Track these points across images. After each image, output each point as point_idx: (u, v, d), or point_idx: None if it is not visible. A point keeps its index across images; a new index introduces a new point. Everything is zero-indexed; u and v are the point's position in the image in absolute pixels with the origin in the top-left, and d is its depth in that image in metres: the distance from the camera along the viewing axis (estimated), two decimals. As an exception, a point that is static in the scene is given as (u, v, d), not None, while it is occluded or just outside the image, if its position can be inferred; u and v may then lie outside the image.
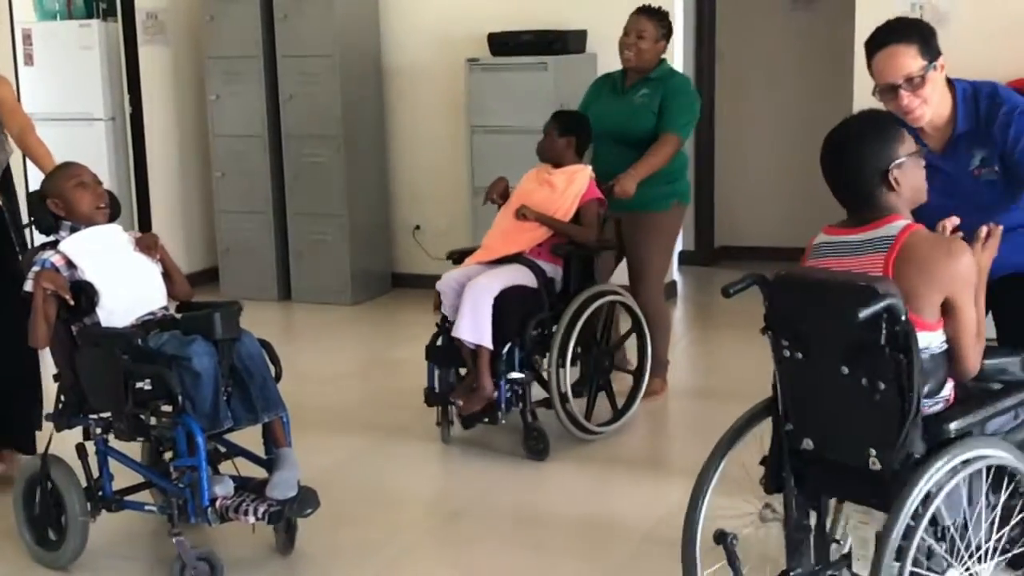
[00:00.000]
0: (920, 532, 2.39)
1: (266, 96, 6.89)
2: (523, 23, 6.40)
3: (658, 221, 4.80)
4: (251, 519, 3.25)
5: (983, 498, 2.53)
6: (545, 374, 4.32)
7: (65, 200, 3.48)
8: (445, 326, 4.40)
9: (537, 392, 4.40)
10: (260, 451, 3.50)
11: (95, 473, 3.48)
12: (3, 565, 3.58)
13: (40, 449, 3.61)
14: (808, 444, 2.60)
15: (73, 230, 3.47)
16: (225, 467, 3.50)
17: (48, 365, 3.65)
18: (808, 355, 2.55)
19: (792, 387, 2.64)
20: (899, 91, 2.93)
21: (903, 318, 2.37)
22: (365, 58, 6.97)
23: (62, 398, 3.45)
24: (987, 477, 2.53)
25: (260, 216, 7.04)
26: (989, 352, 2.65)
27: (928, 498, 2.41)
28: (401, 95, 7.15)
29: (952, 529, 2.49)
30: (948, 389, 2.57)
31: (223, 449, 3.49)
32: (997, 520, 2.56)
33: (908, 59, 2.94)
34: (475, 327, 4.16)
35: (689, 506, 2.73)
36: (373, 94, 7.06)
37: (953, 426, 2.48)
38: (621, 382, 4.68)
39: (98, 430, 3.41)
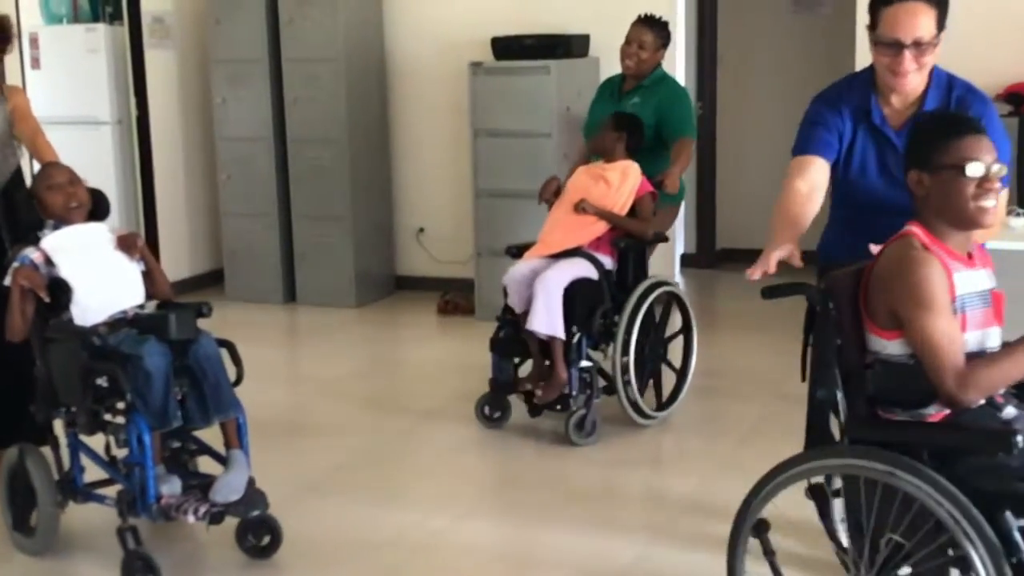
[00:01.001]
0: None
1: (271, 99, 6.93)
2: (526, 27, 6.43)
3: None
4: (191, 519, 3.32)
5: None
6: (608, 362, 4.51)
7: (40, 201, 3.60)
8: (507, 318, 4.61)
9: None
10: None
11: (66, 465, 3.58)
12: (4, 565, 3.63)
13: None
14: None
15: (56, 228, 3.56)
16: (209, 465, 3.58)
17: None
18: None
19: None
20: (904, 51, 2.81)
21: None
22: (369, 62, 7.01)
23: (41, 390, 3.55)
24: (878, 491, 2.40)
25: (265, 219, 7.08)
26: None
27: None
28: (405, 98, 7.18)
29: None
30: (933, 409, 2.47)
31: (194, 447, 3.60)
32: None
33: (926, 21, 2.82)
34: (549, 319, 4.35)
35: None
36: (377, 97, 7.10)
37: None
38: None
39: (71, 424, 3.51)
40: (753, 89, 7.94)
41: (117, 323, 3.47)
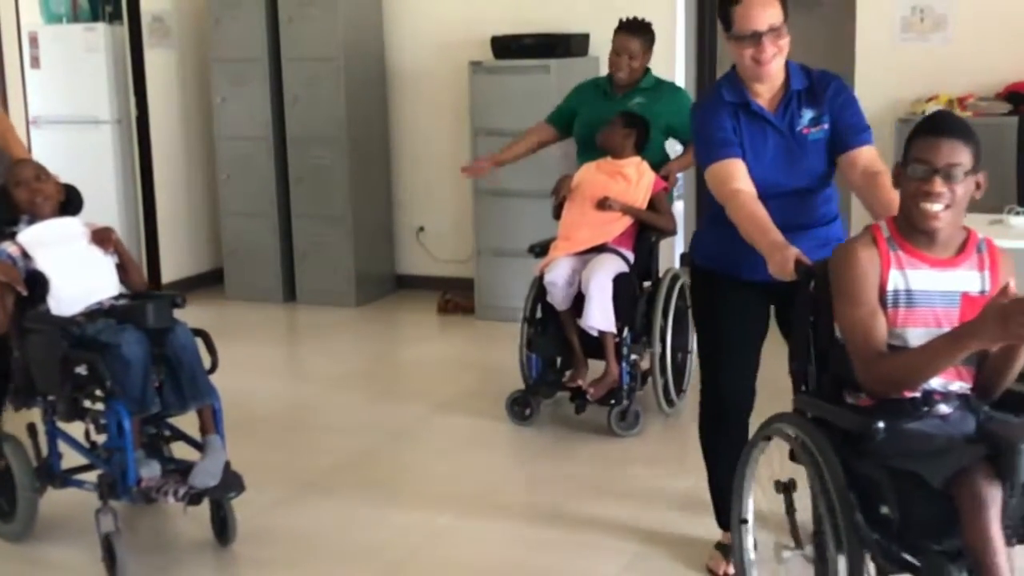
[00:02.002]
0: None
1: (271, 99, 6.93)
2: (526, 26, 6.44)
3: None
4: (171, 500, 3.41)
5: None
6: (646, 354, 4.62)
7: (7, 196, 3.66)
8: (543, 318, 4.68)
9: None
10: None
11: (44, 451, 3.66)
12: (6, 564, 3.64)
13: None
14: None
15: (31, 222, 3.63)
16: (185, 450, 3.65)
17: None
18: None
19: None
20: (762, 39, 3.05)
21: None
22: (369, 61, 7.01)
23: (19, 380, 3.60)
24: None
25: (265, 218, 7.08)
26: None
27: None
28: (405, 98, 7.18)
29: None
30: (864, 395, 2.56)
31: (169, 433, 3.68)
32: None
33: (773, 10, 3.08)
34: (604, 315, 4.43)
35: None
36: (377, 97, 7.10)
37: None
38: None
39: (48, 411, 3.58)
40: (753, 88, 7.93)
41: (94, 313, 3.56)
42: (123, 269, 3.72)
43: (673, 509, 3.89)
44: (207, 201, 7.49)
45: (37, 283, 3.51)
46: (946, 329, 2.46)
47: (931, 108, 5.52)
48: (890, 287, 2.53)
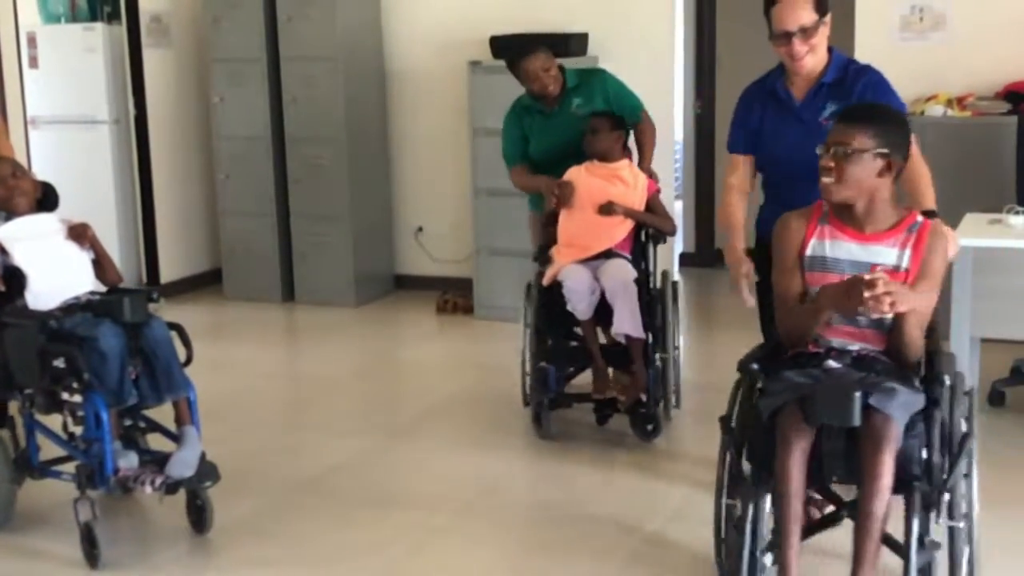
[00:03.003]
0: None
1: (269, 99, 6.92)
2: (525, 26, 6.43)
3: None
4: (148, 489, 3.47)
5: None
6: (659, 358, 4.51)
7: None
8: (559, 328, 4.54)
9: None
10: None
11: (22, 443, 3.72)
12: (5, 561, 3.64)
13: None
14: None
15: (8, 219, 3.69)
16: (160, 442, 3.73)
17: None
18: None
19: None
20: (792, 38, 3.32)
21: None
22: (368, 61, 7.00)
23: None
24: None
25: (263, 218, 7.07)
26: None
27: None
28: (403, 97, 7.18)
29: None
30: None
31: (144, 425, 3.74)
32: None
33: (804, 12, 3.34)
34: (634, 320, 4.33)
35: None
36: (376, 96, 7.09)
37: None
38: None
39: (26, 404, 3.63)
40: (752, 88, 7.93)
41: (71, 307, 3.61)
42: (98, 265, 3.80)
43: (672, 510, 3.89)
44: (206, 201, 7.48)
45: (14, 278, 3.59)
46: None
47: (931, 108, 5.52)
48: (808, 252, 2.95)
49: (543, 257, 4.61)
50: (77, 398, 3.52)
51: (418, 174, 7.23)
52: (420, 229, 7.27)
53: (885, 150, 2.85)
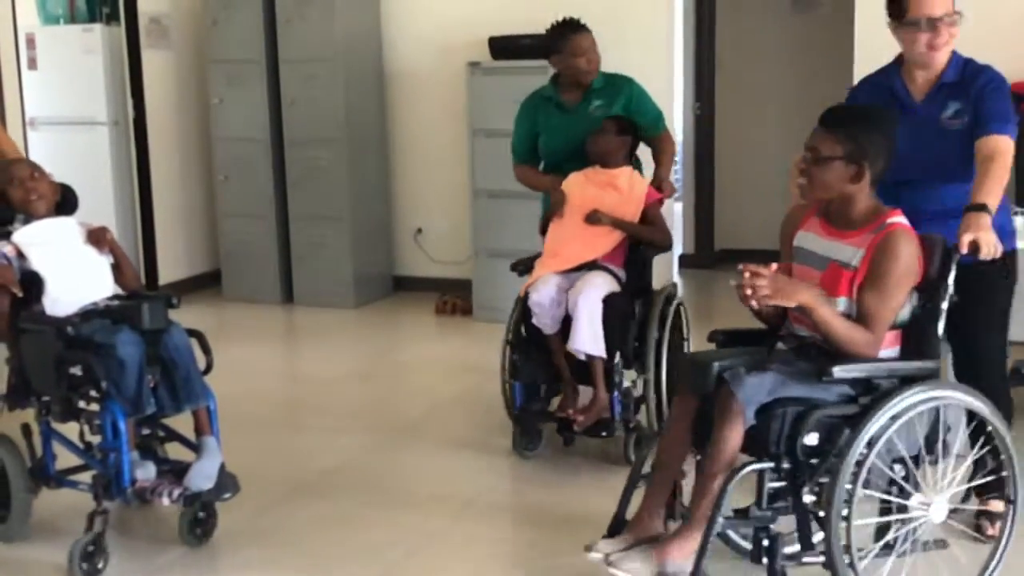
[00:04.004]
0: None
1: (268, 100, 6.92)
2: (524, 27, 6.42)
3: None
4: (166, 501, 3.41)
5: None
6: (639, 379, 4.28)
7: (2, 196, 3.65)
8: (526, 341, 4.32)
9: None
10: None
11: (39, 452, 3.64)
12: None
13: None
14: None
15: (27, 222, 3.62)
16: (179, 451, 3.65)
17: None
18: None
19: None
20: (938, 24, 3.17)
21: None
22: (367, 62, 7.00)
23: (13, 380, 3.59)
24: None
25: (262, 219, 7.07)
26: None
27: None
28: (402, 99, 7.18)
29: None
30: None
31: (163, 434, 3.67)
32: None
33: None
34: (593, 338, 4.08)
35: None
36: (375, 98, 7.09)
37: None
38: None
39: (43, 412, 3.57)
40: (751, 90, 7.93)
41: (89, 313, 3.54)
42: (118, 269, 3.71)
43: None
44: (205, 202, 7.48)
45: (32, 283, 3.50)
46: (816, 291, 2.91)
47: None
48: (795, 243, 3.06)
49: (521, 267, 4.48)
50: (94, 406, 3.45)
51: (417, 175, 7.23)
52: (419, 230, 7.27)
53: (855, 157, 2.84)
